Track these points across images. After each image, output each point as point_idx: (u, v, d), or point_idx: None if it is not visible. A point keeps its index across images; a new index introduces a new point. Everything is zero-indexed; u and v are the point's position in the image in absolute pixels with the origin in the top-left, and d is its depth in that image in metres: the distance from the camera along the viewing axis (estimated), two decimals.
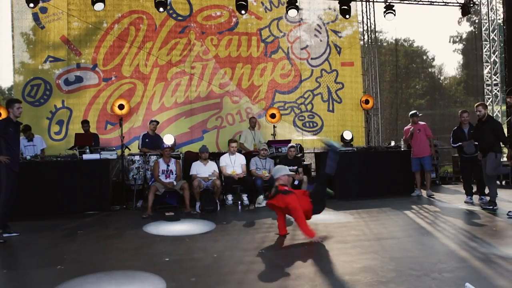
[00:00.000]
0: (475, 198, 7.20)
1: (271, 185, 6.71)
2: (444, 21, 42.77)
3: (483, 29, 12.18)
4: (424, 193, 8.30)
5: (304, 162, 8.56)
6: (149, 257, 4.07)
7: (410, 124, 8.46)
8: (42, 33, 9.51)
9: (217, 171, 7.35)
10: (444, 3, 11.58)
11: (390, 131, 19.89)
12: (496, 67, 11.87)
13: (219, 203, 7.01)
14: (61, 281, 3.37)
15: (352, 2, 10.36)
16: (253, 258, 3.99)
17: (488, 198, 6.85)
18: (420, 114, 8.55)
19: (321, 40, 11.16)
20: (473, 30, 22.16)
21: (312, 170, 9.11)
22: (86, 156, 7.15)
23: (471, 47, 19.48)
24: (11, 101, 5.31)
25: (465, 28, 25.02)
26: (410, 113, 8.54)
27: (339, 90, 11.16)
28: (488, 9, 11.95)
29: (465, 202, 7.13)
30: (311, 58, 11.06)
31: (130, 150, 8.19)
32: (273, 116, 9.87)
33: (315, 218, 5.60)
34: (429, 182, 8.41)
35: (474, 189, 7.29)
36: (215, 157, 7.90)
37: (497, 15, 11.86)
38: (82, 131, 8.82)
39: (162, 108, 10.03)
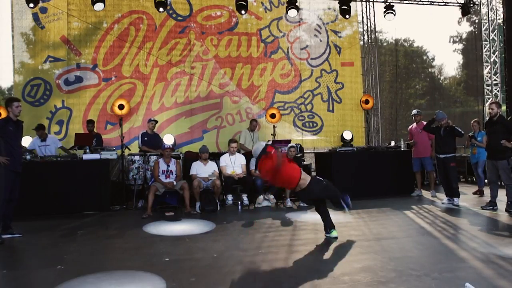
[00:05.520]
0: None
1: (271, 185, 6.75)
2: (444, 21, 42.82)
3: (483, 29, 12.18)
4: (424, 193, 8.31)
5: (304, 162, 8.55)
6: (149, 257, 4.07)
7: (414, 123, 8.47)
8: (42, 33, 9.51)
9: (217, 171, 7.35)
10: (444, 3, 11.58)
11: (390, 131, 19.92)
12: (496, 67, 11.87)
13: (219, 203, 7.01)
14: (61, 281, 3.37)
15: (352, 2, 10.35)
16: (253, 258, 3.99)
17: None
18: (418, 112, 8.53)
19: (321, 40, 11.16)
20: (473, 30, 22.19)
21: (312, 170, 9.11)
22: (86, 156, 7.15)
23: (471, 47, 19.51)
24: (10, 100, 5.23)
25: (465, 28, 25.07)
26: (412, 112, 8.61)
27: (339, 90, 11.16)
28: (488, 9, 11.95)
29: (442, 203, 7.08)
30: (311, 58, 11.06)
31: (130, 150, 8.18)
32: (273, 116, 9.87)
33: (315, 219, 5.61)
34: (433, 182, 8.40)
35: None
36: (215, 157, 7.89)
37: (497, 15, 11.87)
38: (82, 131, 8.83)
39: (162, 108, 10.03)
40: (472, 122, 8.49)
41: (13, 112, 5.15)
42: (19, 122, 5.31)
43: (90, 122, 8.72)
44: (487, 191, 7.66)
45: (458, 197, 7.00)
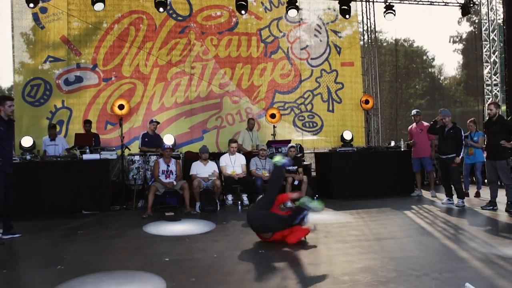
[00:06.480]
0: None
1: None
2: (444, 21, 42.88)
3: (483, 29, 12.19)
4: (424, 193, 8.30)
5: (304, 162, 8.55)
6: (149, 257, 4.07)
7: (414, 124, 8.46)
8: (42, 33, 9.51)
9: (217, 171, 7.34)
10: (444, 3, 11.58)
11: (390, 131, 19.93)
12: (496, 67, 11.88)
13: (219, 203, 7.01)
14: (61, 281, 3.37)
15: (352, 2, 10.35)
16: (253, 258, 4.00)
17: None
18: (418, 112, 8.52)
19: (321, 40, 11.16)
20: (473, 30, 22.21)
21: (312, 170, 9.11)
22: (86, 156, 7.15)
23: (471, 47, 19.53)
24: (2, 98, 5.04)
25: (465, 28, 25.10)
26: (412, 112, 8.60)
27: (339, 90, 11.16)
28: (488, 9, 11.95)
29: (442, 203, 7.08)
30: (311, 58, 11.05)
31: (130, 150, 8.18)
32: (273, 116, 9.87)
33: (314, 219, 5.61)
34: (433, 182, 8.40)
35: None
36: (215, 157, 7.89)
37: (497, 15, 11.87)
38: (82, 131, 8.82)
39: (162, 108, 10.03)
40: (468, 122, 8.40)
41: (5, 111, 4.97)
42: (11, 122, 5.14)
43: (87, 122, 8.72)
44: (484, 193, 7.66)
45: (463, 198, 6.95)
